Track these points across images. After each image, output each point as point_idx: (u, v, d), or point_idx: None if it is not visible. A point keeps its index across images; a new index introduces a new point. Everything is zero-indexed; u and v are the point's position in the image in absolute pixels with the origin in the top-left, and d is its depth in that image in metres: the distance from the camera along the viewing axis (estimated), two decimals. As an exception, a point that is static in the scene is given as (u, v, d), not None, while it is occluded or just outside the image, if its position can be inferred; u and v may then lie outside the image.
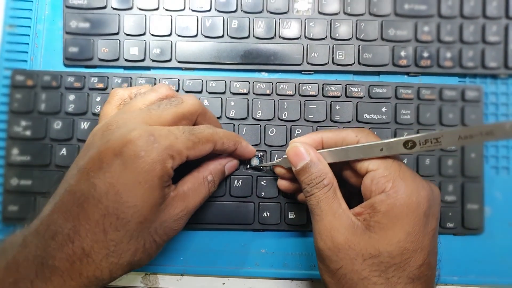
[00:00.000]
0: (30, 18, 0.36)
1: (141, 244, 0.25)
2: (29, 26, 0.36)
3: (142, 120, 0.26)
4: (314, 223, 0.27)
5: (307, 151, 0.28)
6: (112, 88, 0.34)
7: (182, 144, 0.26)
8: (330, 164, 0.28)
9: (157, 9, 0.35)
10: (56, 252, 0.23)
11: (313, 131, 0.35)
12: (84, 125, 0.34)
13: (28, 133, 0.34)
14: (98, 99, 0.34)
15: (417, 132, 0.35)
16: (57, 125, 0.34)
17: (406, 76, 0.37)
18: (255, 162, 0.34)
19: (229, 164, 0.32)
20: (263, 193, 0.34)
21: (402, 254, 0.24)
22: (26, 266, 0.23)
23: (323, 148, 0.29)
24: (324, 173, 0.27)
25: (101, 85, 0.35)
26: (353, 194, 0.29)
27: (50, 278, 0.23)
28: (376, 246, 0.24)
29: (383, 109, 0.35)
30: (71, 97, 0.34)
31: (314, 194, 0.27)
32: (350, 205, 0.27)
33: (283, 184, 0.32)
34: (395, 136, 0.35)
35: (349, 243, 0.25)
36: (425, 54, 0.36)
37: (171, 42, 0.35)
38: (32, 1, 0.36)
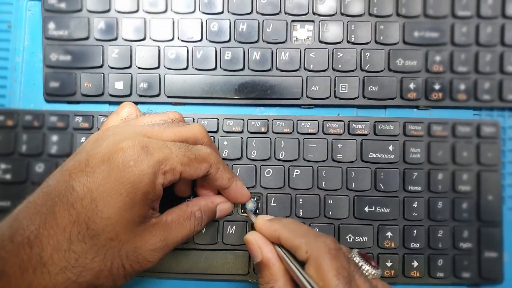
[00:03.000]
0: (9, 50, 0.33)
1: (107, 265, 0.22)
2: (7, 58, 0.33)
3: (141, 132, 0.25)
4: None
5: (260, 249, 0.25)
6: (98, 128, 0.32)
7: (177, 158, 0.24)
8: None
9: (143, 39, 0.33)
10: (10, 256, 0.21)
11: (312, 171, 0.32)
12: (67, 166, 0.32)
13: (8, 176, 0.32)
14: (83, 139, 0.32)
15: (428, 173, 0.32)
16: (39, 167, 0.32)
17: (415, 110, 0.34)
18: (250, 205, 0.31)
19: (222, 205, 0.30)
20: (258, 241, 0.31)
21: None
22: None
23: (280, 245, 0.25)
24: (273, 279, 0.24)
25: (86, 125, 0.32)
26: None
27: None
28: None
29: (390, 148, 0.32)
30: (54, 137, 0.32)
31: None
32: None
33: None
34: (403, 177, 0.32)
35: None
36: (436, 86, 0.33)
37: (159, 75, 0.33)
38: (10, 31, 0.34)
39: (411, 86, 0.33)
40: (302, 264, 0.23)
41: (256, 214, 0.31)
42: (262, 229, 0.26)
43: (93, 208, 0.22)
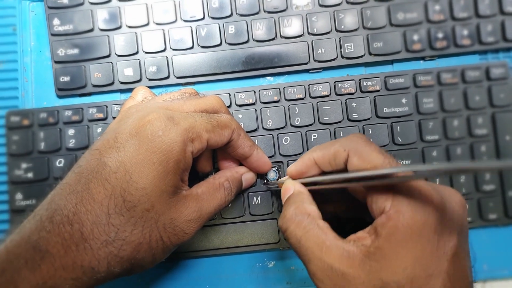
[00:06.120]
0: (16, 52, 0.34)
1: (146, 238, 0.23)
2: (16, 60, 0.34)
3: (163, 106, 0.26)
4: (305, 264, 0.22)
5: (293, 186, 0.26)
6: (113, 117, 0.32)
7: (202, 126, 0.25)
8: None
9: (147, 24, 0.33)
10: (51, 235, 0.21)
11: (330, 134, 0.32)
12: (87, 158, 0.32)
13: (30, 175, 0.32)
14: (99, 130, 0.32)
15: (444, 121, 0.32)
16: (60, 162, 0.32)
17: (421, 61, 0.34)
18: (272, 175, 0.31)
19: (247, 174, 0.30)
20: (285, 207, 0.31)
21: (412, 282, 0.20)
22: (16, 253, 0.21)
23: (319, 168, 0.25)
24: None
25: (100, 115, 0.32)
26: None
27: (39, 266, 0.21)
28: (380, 277, 0.20)
29: (403, 101, 0.32)
30: (71, 131, 0.32)
31: (288, 229, 0.23)
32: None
33: None
34: (420, 128, 0.32)
35: (348, 277, 0.21)
36: (440, 35, 0.33)
37: (167, 57, 0.33)
38: (15, 34, 0.34)
39: (415, 37, 0.33)
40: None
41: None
42: (296, 167, 0.26)
43: (127, 180, 0.22)
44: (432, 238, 0.20)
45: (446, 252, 0.20)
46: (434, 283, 0.20)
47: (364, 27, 0.33)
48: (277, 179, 0.32)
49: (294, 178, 0.26)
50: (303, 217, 0.23)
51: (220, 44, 0.33)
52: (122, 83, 0.33)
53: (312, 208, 0.23)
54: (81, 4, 0.33)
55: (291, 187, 0.26)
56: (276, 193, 0.32)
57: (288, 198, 0.25)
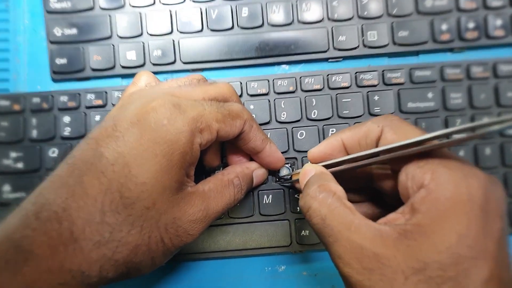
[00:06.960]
0: (8, 30, 0.31)
1: (144, 239, 0.20)
2: (8, 40, 0.31)
3: (169, 93, 0.23)
4: (329, 247, 0.20)
5: (314, 168, 0.23)
6: (113, 104, 0.30)
7: (211, 115, 0.22)
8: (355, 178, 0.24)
9: (153, 4, 0.30)
10: (37, 234, 0.18)
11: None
12: (83, 148, 0.29)
13: (20, 165, 0.29)
14: (98, 118, 0.30)
15: (472, 118, 0.30)
16: (53, 152, 0.29)
17: (449, 53, 0.31)
18: (285, 172, 0.29)
19: (258, 171, 0.27)
20: (298, 208, 0.29)
21: (457, 263, 0.17)
22: None
23: (346, 151, 0.23)
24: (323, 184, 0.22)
25: (99, 102, 0.30)
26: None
27: (22, 269, 0.18)
28: (419, 257, 0.18)
29: (429, 95, 0.30)
30: (66, 119, 0.29)
31: (311, 208, 0.20)
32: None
33: None
34: (446, 125, 0.30)
35: (381, 259, 0.18)
36: (471, 25, 0.31)
37: (173, 40, 0.30)
38: (7, 11, 0.31)
39: (443, 27, 0.30)
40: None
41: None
42: (319, 149, 0.24)
43: (126, 174, 0.20)
44: (478, 215, 0.18)
45: (493, 234, 0.18)
46: (480, 267, 0.17)
47: (389, 15, 0.31)
48: (290, 177, 0.29)
49: (314, 162, 0.24)
50: (328, 194, 0.20)
51: (231, 28, 0.30)
52: (123, 67, 0.30)
53: (337, 187, 0.21)
54: (81, -21, 0.30)
55: (311, 169, 0.23)
56: (289, 190, 0.29)
57: (309, 179, 0.22)
